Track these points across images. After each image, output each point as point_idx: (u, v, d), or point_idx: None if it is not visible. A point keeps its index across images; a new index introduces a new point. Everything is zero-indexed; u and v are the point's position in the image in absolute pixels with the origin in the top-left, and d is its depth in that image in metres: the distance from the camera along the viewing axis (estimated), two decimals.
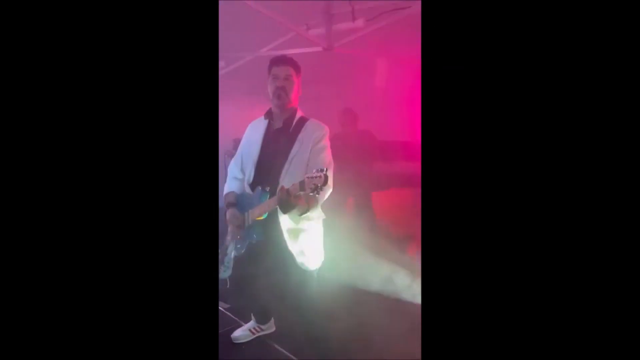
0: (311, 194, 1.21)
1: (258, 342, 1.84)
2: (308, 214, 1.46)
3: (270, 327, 1.92)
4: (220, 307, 2.13)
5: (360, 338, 1.81)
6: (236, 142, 3.01)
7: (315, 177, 1.20)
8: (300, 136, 1.50)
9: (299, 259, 1.50)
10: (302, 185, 1.24)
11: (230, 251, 1.61)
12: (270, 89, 1.55)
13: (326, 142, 1.52)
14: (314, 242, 1.55)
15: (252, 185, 1.55)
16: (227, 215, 1.57)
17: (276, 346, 1.81)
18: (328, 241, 1.64)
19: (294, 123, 1.54)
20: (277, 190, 1.32)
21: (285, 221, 1.49)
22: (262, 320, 1.90)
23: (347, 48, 2.67)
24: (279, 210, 1.44)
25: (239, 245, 1.58)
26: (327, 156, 1.49)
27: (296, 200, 1.29)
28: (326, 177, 1.18)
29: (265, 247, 1.54)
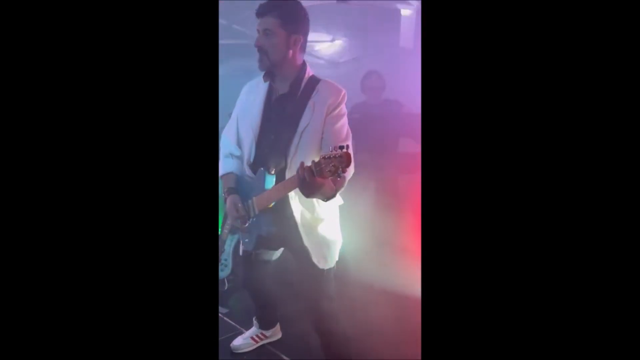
0: (331, 177, 1.09)
1: (262, 352, 1.84)
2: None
3: (275, 334, 1.90)
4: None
5: (382, 345, 1.83)
6: None
7: (335, 156, 1.08)
8: (311, 102, 1.34)
9: (317, 257, 1.41)
10: (318, 167, 1.11)
11: (228, 246, 1.59)
12: None
13: (344, 109, 1.36)
14: (332, 233, 1.44)
15: (254, 166, 1.42)
16: (227, 204, 1.44)
17: (283, 356, 1.81)
18: (345, 235, 1.53)
19: (302, 85, 1.37)
20: (298, 168, 1.18)
21: (297, 209, 1.37)
22: (266, 325, 1.87)
23: None
24: (290, 197, 1.35)
25: (246, 240, 1.48)
26: (344, 126, 1.35)
27: (322, 181, 1.15)
28: (349, 156, 1.07)
29: (276, 241, 1.45)
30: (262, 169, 1.39)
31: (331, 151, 1.10)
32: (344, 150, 1.09)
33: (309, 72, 1.42)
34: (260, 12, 1.34)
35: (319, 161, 1.12)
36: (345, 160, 1.08)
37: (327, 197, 1.27)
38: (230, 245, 1.55)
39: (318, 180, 1.14)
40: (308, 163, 1.17)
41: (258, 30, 1.36)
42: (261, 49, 1.35)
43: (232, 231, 1.51)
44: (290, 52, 1.36)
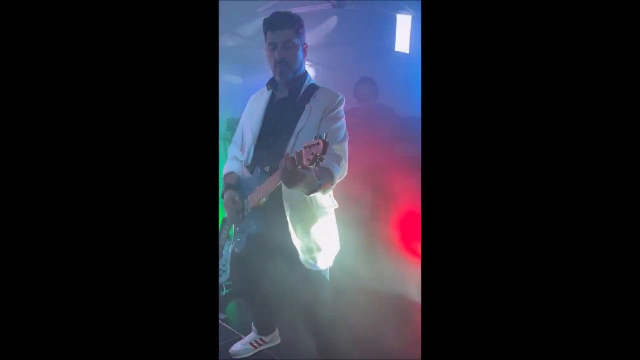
0: (310, 166, 1.13)
1: (261, 357, 1.85)
2: (319, 194, 1.36)
3: (274, 339, 1.91)
4: None
5: (382, 349, 1.84)
6: (230, 123, 3.01)
7: (313, 144, 1.11)
8: (308, 105, 1.41)
9: (305, 256, 1.43)
10: (299, 157, 1.14)
11: (226, 251, 1.61)
12: (269, 61, 1.44)
13: (341, 112, 1.42)
14: (325, 235, 1.47)
15: (251, 167, 1.48)
16: (224, 199, 1.49)
17: None
18: (342, 238, 1.56)
19: (302, 91, 1.46)
20: (281, 160, 1.21)
21: (288, 208, 1.41)
22: (264, 331, 1.88)
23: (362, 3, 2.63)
24: (283, 195, 1.38)
25: (238, 239, 1.50)
26: (340, 128, 1.40)
27: (304, 173, 1.18)
28: (325, 144, 1.10)
29: (267, 240, 1.47)
30: (257, 168, 1.45)
31: (311, 141, 1.14)
32: (322, 139, 1.11)
33: (310, 79, 1.51)
34: (276, 25, 1.41)
35: (300, 151, 1.16)
36: (321, 147, 1.10)
37: (310, 190, 1.28)
38: (228, 251, 1.56)
39: (299, 170, 1.17)
40: (294, 153, 1.21)
41: (274, 44, 1.42)
42: (284, 61, 1.42)
43: (228, 237, 1.54)
44: (305, 59, 1.47)
